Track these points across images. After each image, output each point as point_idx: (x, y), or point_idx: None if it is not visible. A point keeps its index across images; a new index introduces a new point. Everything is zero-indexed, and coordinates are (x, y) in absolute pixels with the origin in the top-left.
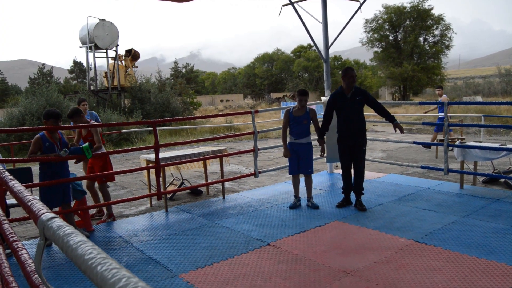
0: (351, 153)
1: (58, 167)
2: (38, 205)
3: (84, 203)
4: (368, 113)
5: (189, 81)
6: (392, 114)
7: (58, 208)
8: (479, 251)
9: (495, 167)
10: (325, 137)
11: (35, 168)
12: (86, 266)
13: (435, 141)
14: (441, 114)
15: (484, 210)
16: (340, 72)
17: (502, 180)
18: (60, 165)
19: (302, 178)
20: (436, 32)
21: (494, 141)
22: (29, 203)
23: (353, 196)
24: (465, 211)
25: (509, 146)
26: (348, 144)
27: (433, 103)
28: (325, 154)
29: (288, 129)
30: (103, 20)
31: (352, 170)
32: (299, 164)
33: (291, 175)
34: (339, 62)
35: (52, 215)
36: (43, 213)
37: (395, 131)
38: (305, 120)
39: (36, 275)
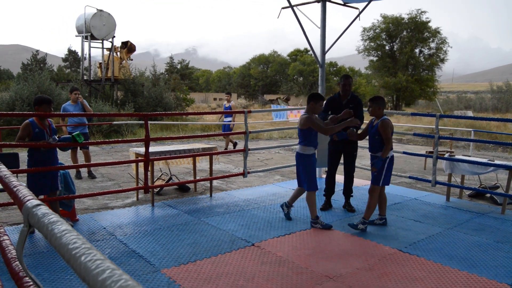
0: (341, 158)
1: (47, 154)
2: (23, 191)
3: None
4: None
5: (183, 77)
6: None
7: (43, 196)
8: (461, 264)
9: (481, 182)
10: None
11: (22, 155)
12: (70, 255)
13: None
14: (229, 119)
15: (469, 223)
16: (335, 79)
17: (488, 195)
18: (49, 152)
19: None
20: (432, 45)
21: (482, 156)
22: (15, 189)
23: (340, 198)
24: (449, 223)
25: (497, 162)
26: (338, 148)
27: (425, 115)
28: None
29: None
30: (101, 10)
31: (343, 174)
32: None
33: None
34: (335, 68)
35: (38, 202)
36: (28, 200)
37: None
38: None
39: (17, 262)
